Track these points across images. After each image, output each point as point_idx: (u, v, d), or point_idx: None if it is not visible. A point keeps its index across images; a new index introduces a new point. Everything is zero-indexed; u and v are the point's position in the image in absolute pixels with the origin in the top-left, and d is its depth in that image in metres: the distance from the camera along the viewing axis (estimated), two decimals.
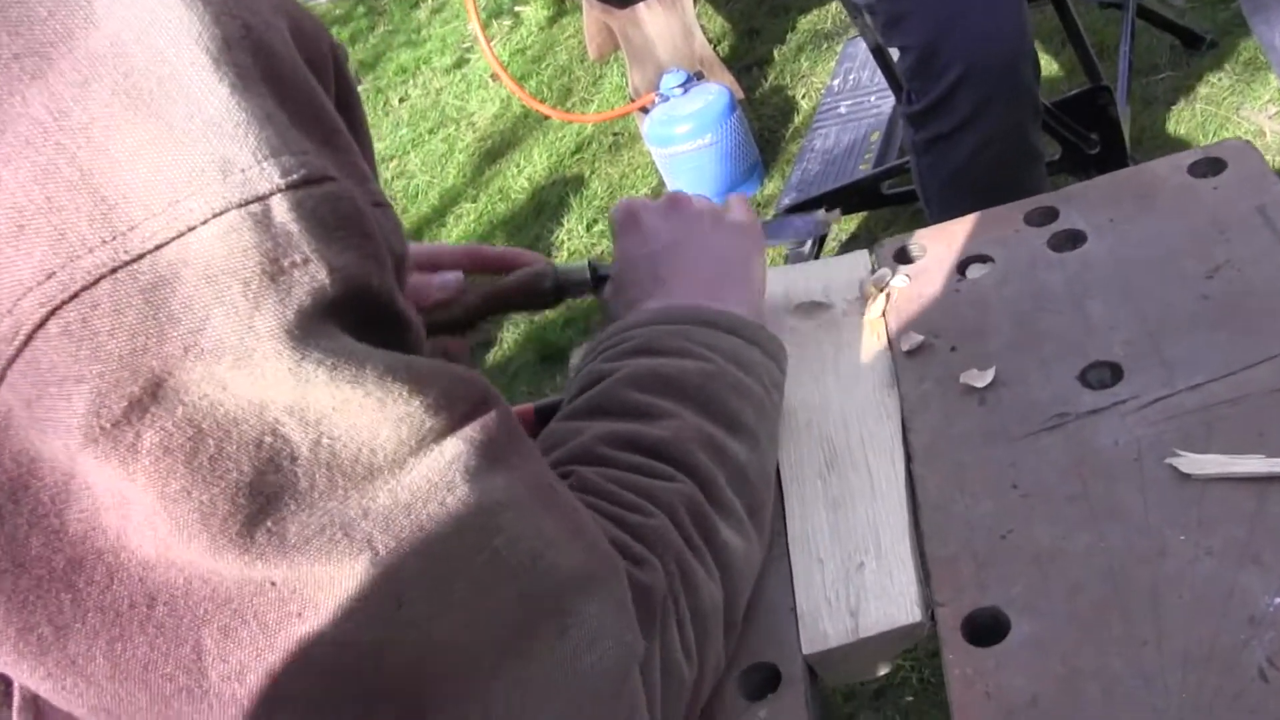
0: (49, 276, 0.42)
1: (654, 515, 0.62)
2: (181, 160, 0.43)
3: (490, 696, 0.50)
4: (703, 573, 0.63)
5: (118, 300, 0.42)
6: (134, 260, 0.42)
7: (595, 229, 2.76)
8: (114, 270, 0.42)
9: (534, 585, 0.51)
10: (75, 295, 0.42)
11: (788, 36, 3.12)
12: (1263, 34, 1.83)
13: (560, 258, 2.72)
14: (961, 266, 0.91)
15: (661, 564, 0.61)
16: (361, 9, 4.44)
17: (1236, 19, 2.15)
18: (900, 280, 0.91)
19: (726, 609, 0.65)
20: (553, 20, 3.72)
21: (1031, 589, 0.65)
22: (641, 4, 2.83)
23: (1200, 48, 2.40)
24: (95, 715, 0.46)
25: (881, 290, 0.91)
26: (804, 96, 2.89)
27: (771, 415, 0.76)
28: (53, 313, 0.42)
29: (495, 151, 3.24)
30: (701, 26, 2.98)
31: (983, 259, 0.90)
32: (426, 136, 3.48)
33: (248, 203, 0.44)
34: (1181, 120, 2.28)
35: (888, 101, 2.37)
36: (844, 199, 2.18)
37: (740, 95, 2.85)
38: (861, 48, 2.49)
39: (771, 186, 2.66)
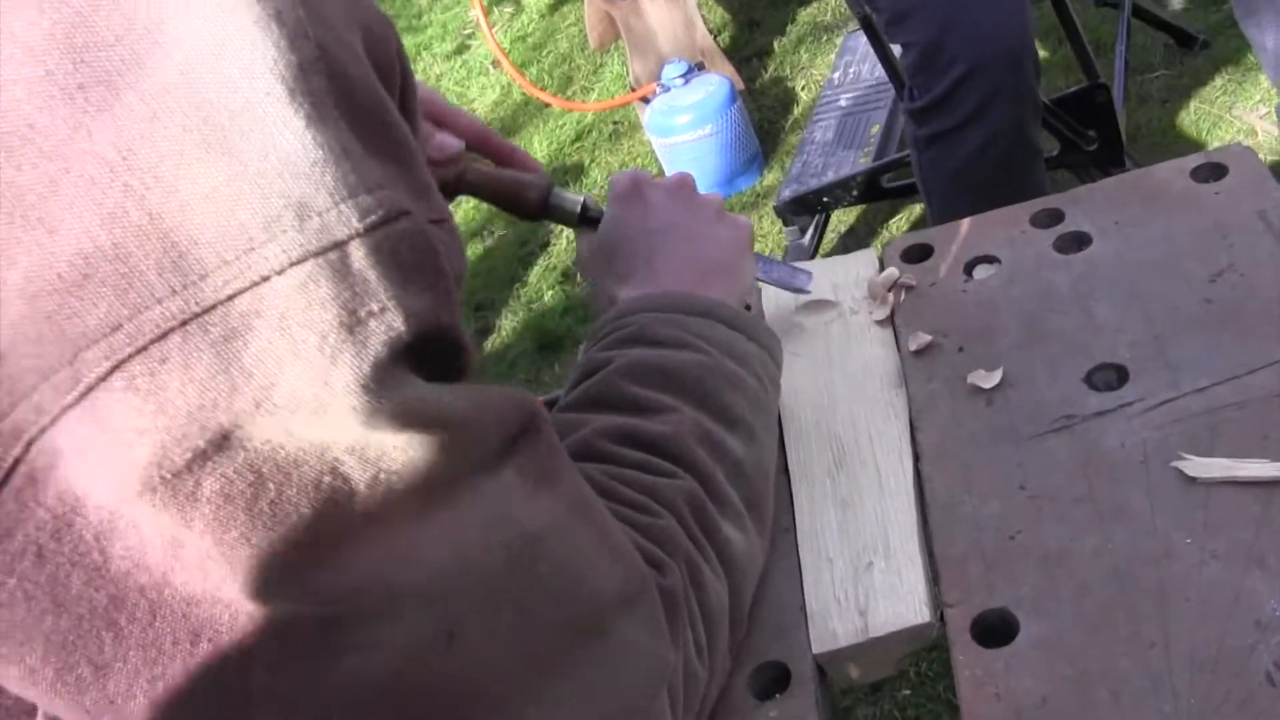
0: (115, 329, 0.40)
1: (661, 515, 0.63)
2: (256, 204, 0.41)
3: (529, 718, 0.50)
4: (709, 571, 0.64)
5: (187, 354, 0.40)
6: (205, 312, 0.40)
7: None
8: (184, 323, 0.40)
9: (576, 608, 0.52)
10: (143, 349, 0.40)
11: (788, 28, 3.12)
12: (1254, 36, 1.85)
13: (559, 245, 2.73)
14: (968, 267, 0.92)
15: (674, 565, 0.61)
16: None
17: (1228, 20, 2.16)
18: (907, 280, 0.92)
19: (731, 606, 0.66)
20: (554, 8, 3.72)
21: (1040, 590, 0.66)
22: None
23: (1194, 47, 2.42)
24: None
25: (889, 289, 0.92)
26: (804, 88, 2.90)
27: (767, 408, 0.76)
28: (118, 366, 0.40)
29: None
30: (702, 17, 2.99)
31: (989, 259, 0.91)
32: None
33: (325, 250, 0.42)
34: (1176, 118, 2.29)
35: (888, 95, 2.37)
36: (844, 192, 2.19)
37: (741, 86, 2.85)
38: (862, 41, 2.49)
39: (771, 177, 2.66)
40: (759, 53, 3.08)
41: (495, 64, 3.46)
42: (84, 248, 0.40)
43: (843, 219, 2.43)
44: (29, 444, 0.41)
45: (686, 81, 2.68)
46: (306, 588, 0.44)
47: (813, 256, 2.23)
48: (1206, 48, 2.41)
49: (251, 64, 0.42)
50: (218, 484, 0.41)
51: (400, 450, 0.44)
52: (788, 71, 2.98)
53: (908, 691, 1.46)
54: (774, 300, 0.95)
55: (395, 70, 0.49)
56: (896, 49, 1.72)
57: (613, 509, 0.60)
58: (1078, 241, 0.90)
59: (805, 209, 2.24)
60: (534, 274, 2.70)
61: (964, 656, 0.64)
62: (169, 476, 0.41)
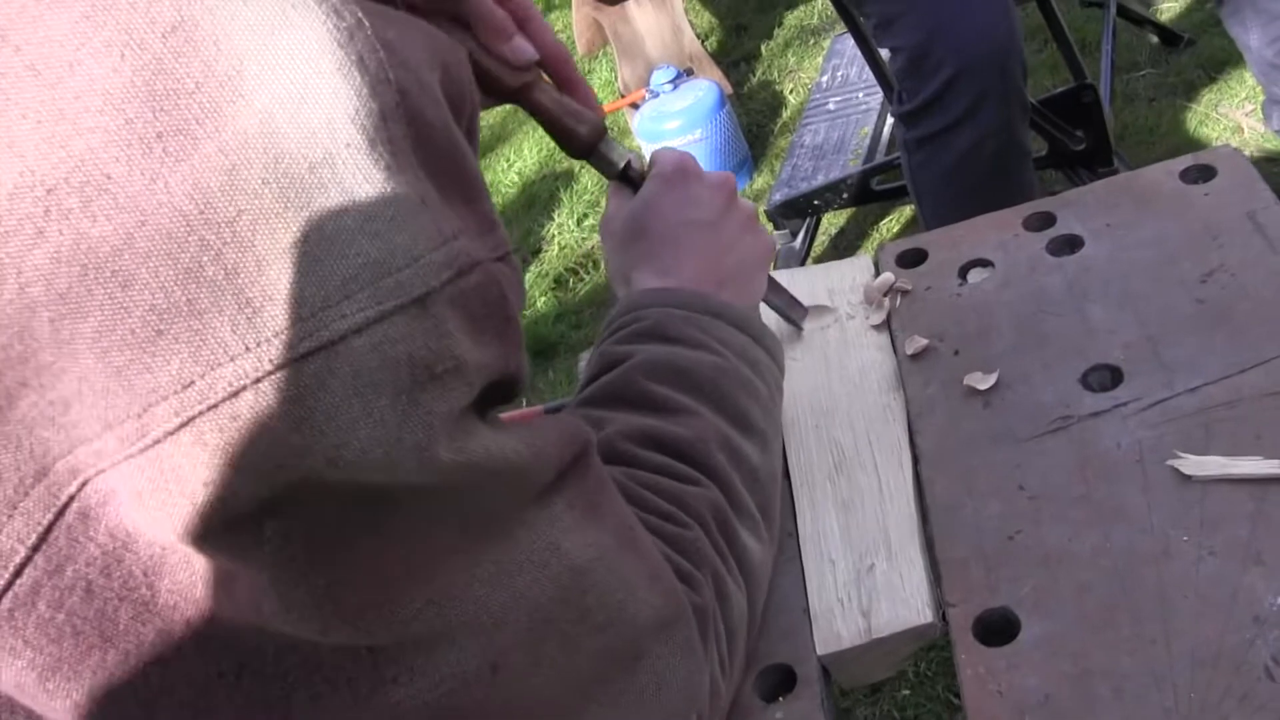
0: (187, 386, 0.39)
1: (689, 526, 0.63)
2: (332, 262, 0.41)
3: None
4: (732, 584, 0.64)
5: (259, 412, 0.40)
6: (278, 370, 0.40)
7: (586, 223, 2.77)
8: (257, 381, 0.39)
9: (617, 636, 0.52)
10: (214, 406, 0.39)
11: (775, 32, 3.14)
12: (1238, 34, 1.87)
13: (551, 252, 2.73)
14: (963, 270, 0.93)
15: (703, 579, 0.62)
16: None
17: (1213, 19, 2.18)
18: (903, 284, 0.93)
19: (749, 616, 0.67)
20: (542, 14, 3.72)
21: (1041, 589, 0.67)
22: (631, 0, 2.84)
23: (1179, 45, 2.44)
24: None
25: (885, 294, 0.93)
26: (792, 92, 2.91)
27: (775, 415, 0.77)
28: (187, 423, 0.39)
29: (485, 146, 3.24)
30: (690, 22, 3.00)
31: (983, 263, 0.92)
32: None
33: (403, 308, 0.41)
34: (1163, 116, 2.31)
35: (876, 98, 2.38)
36: (834, 195, 2.20)
37: (729, 91, 2.86)
38: (849, 44, 2.51)
39: (760, 181, 2.68)
40: (747, 57, 3.10)
41: None
42: (158, 303, 0.39)
43: (833, 222, 2.44)
44: (84, 483, 0.41)
45: (675, 87, 2.69)
46: (359, 621, 0.44)
47: (804, 260, 2.24)
48: (1192, 46, 2.43)
49: (333, 113, 0.42)
50: (280, 526, 0.41)
51: (459, 494, 0.45)
52: (776, 75, 2.99)
53: (907, 692, 1.47)
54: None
55: (466, 100, 0.49)
56: (884, 53, 1.73)
57: (641, 517, 0.60)
58: (1070, 244, 0.91)
59: (796, 213, 2.25)
60: (527, 280, 2.71)
61: (967, 655, 0.65)
62: (232, 521, 0.41)
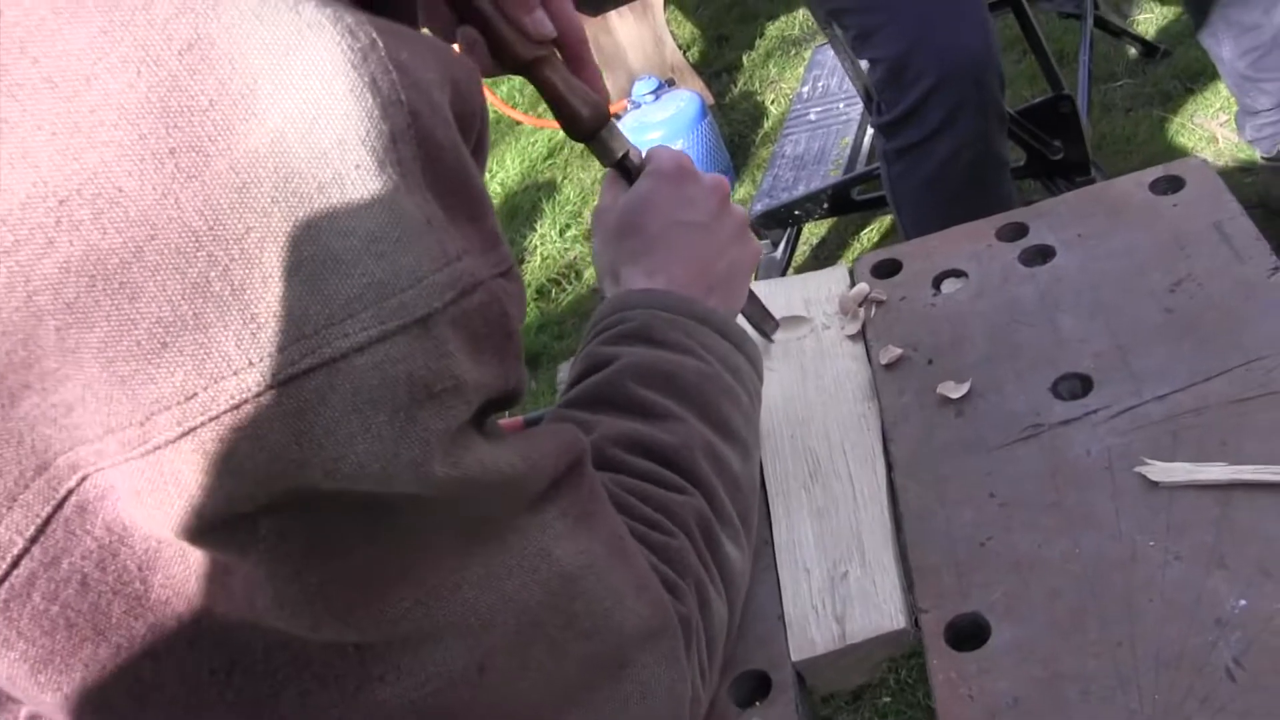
0: (189, 398, 0.40)
1: (675, 535, 0.63)
2: (337, 281, 0.41)
3: None
4: (714, 592, 0.65)
5: (259, 425, 0.40)
6: (280, 384, 0.40)
7: (568, 234, 2.78)
8: (258, 394, 0.40)
9: (603, 643, 0.53)
10: (215, 418, 0.40)
11: (756, 43, 3.16)
12: (1211, 47, 1.90)
13: (534, 263, 2.74)
14: (936, 281, 0.94)
15: (687, 589, 0.62)
16: None
17: (1189, 31, 2.21)
18: (877, 295, 0.94)
19: (728, 623, 0.67)
20: None
21: (1011, 595, 0.68)
22: (612, 11, 2.85)
23: (1155, 56, 2.47)
24: None
25: (860, 304, 0.94)
26: (773, 102, 2.93)
27: (755, 423, 0.77)
28: (189, 432, 0.40)
29: None
30: (671, 33, 3.01)
31: (957, 274, 0.94)
32: None
33: (405, 328, 0.42)
34: (1139, 127, 2.34)
35: (856, 108, 2.40)
36: (814, 205, 2.22)
37: (711, 101, 2.88)
38: (830, 55, 2.52)
39: (742, 191, 2.69)
40: (728, 68, 3.11)
41: None
42: (164, 316, 0.40)
43: (814, 231, 2.45)
44: (84, 478, 0.41)
45: (657, 98, 2.70)
46: (348, 618, 0.45)
47: (785, 270, 2.26)
48: (1168, 57, 2.46)
49: (344, 135, 0.42)
50: (275, 525, 0.42)
51: (454, 504, 0.45)
52: (757, 86, 3.01)
53: (888, 699, 1.48)
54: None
55: (476, 117, 0.49)
56: (864, 64, 1.75)
57: (629, 524, 0.60)
58: (1042, 254, 0.92)
59: (777, 223, 2.27)
60: None
61: (938, 660, 0.66)
62: (229, 520, 0.41)
